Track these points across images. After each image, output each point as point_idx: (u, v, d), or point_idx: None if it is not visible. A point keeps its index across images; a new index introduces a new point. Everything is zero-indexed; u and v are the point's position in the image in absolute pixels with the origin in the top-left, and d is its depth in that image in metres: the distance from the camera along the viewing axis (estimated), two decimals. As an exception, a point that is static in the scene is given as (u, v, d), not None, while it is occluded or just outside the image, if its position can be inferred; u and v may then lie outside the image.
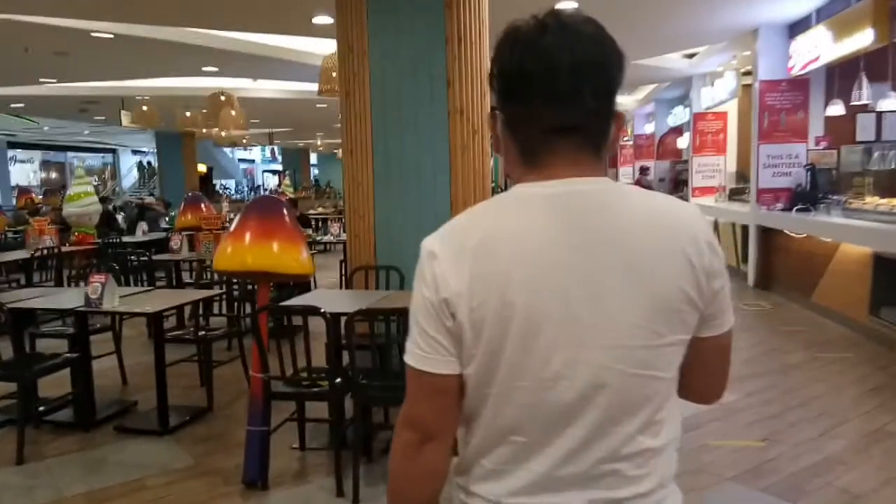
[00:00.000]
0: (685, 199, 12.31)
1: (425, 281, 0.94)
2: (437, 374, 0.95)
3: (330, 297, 4.48)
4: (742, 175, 10.59)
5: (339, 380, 3.24)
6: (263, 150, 32.45)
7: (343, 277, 7.48)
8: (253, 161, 34.21)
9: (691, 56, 10.57)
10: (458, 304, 0.92)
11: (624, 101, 16.55)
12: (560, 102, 0.92)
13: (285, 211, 3.22)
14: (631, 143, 19.43)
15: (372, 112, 4.57)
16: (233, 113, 10.85)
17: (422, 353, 0.96)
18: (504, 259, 0.91)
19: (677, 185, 14.55)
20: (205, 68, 9.88)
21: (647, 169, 15.97)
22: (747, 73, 9.57)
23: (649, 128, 16.48)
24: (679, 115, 13.64)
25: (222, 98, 11.11)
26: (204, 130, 14.30)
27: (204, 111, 12.00)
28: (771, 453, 3.46)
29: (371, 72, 4.55)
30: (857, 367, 4.93)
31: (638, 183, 16.38)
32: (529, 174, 0.97)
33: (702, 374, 1.03)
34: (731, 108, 11.35)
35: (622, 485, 0.95)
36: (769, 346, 5.61)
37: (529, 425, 0.94)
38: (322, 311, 3.03)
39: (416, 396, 0.99)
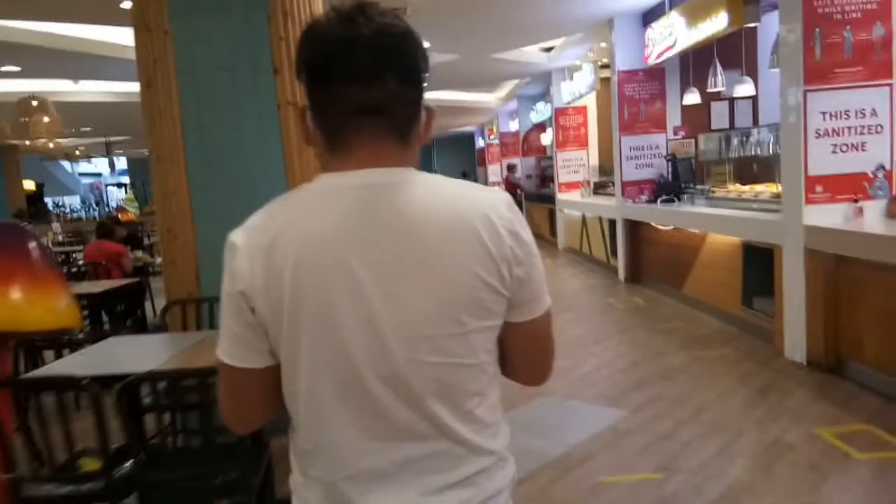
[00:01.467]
0: (552, 194, 12.21)
1: (227, 274, 0.93)
2: (241, 367, 0.95)
3: (125, 348, 3.31)
4: (604, 169, 10.55)
5: (122, 469, 2.39)
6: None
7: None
8: (100, 174, 31.07)
9: (549, 50, 10.38)
10: (255, 299, 0.91)
11: (486, 98, 16.36)
12: (362, 82, 0.91)
13: (32, 244, 2.31)
14: (497, 141, 19.40)
15: (181, 107, 3.71)
16: (46, 119, 9.35)
17: (228, 346, 0.95)
18: (296, 254, 0.90)
19: (544, 180, 14.50)
20: (3, 68, 8.40)
21: (515, 166, 15.87)
22: (605, 67, 9.49)
23: (514, 125, 16.40)
24: (542, 112, 13.56)
25: (34, 103, 9.58)
26: (27, 143, 12.43)
27: (23, 120, 10.32)
28: (671, 486, 3.00)
29: (177, 58, 3.69)
30: (738, 365, 4.69)
31: (506, 181, 16.28)
32: (332, 162, 0.96)
33: (521, 358, 1.05)
34: (591, 102, 11.33)
35: (445, 470, 0.95)
36: (649, 349, 5.30)
37: (338, 419, 0.93)
38: (85, 381, 2.17)
39: (226, 390, 1.00)
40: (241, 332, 0.93)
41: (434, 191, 0.94)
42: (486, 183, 22.54)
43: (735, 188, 6.20)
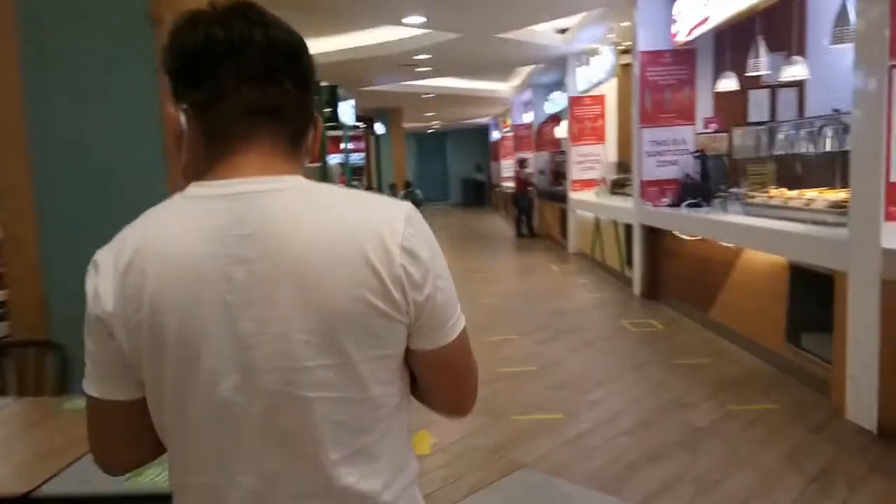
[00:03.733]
0: (564, 193, 11.08)
1: (87, 296, 0.84)
2: (107, 400, 0.87)
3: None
4: (624, 165, 9.38)
5: None
6: None
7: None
8: None
9: (564, 31, 9.23)
10: (113, 324, 0.82)
11: (499, 87, 15.23)
12: (257, 81, 0.84)
13: None
14: (511, 134, 18.25)
15: (23, 72, 2.69)
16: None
17: (93, 376, 0.87)
18: (156, 275, 0.80)
19: (558, 177, 13.34)
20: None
21: (526, 161, 14.74)
22: (626, 52, 8.33)
23: (528, 117, 15.24)
24: (556, 101, 12.40)
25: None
26: None
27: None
28: None
29: (17, 5, 2.67)
30: (784, 430, 3.56)
31: (517, 176, 15.16)
32: (214, 170, 0.85)
33: (433, 389, 0.95)
34: (610, 92, 10.16)
35: None
36: (666, 394, 4.19)
37: (205, 460, 0.84)
38: None
39: (94, 426, 0.91)
40: (104, 360, 0.84)
41: (319, 203, 0.84)
42: (497, 178, 21.47)
43: (779, 193, 5.04)
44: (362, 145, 12.95)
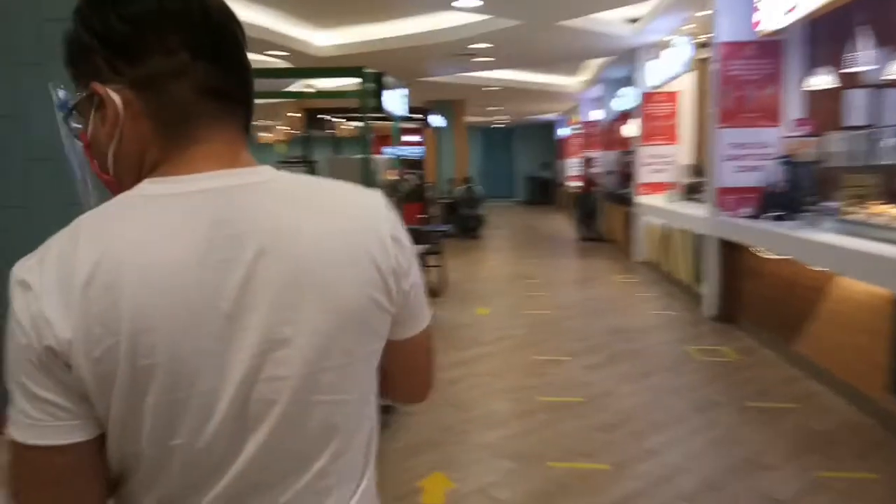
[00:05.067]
0: (630, 196, 10.32)
1: (20, 324, 0.68)
2: (55, 445, 0.70)
3: None
4: (699, 169, 8.57)
5: None
6: None
7: None
8: None
9: (635, 21, 8.49)
10: (72, 353, 0.67)
11: (568, 82, 14.50)
12: (216, 58, 0.75)
13: None
14: (578, 131, 17.46)
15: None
16: None
17: (31, 421, 0.69)
18: (133, 291, 0.68)
19: (626, 178, 12.54)
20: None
21: (593, 160, 13.97)
22: (704, 46, 7.54)
23: (597, 114, 14.45)
24: (626, 98, 11.59)
25: None
26: None
27: None
28: None
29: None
30: (888, 508, 2.87)
31: (583, 176, 14.42)
32: (165, 164, 0.75)
33: (400, 376, 0.93)
34: (686, 88, 9.33)
35: None
36: (738, 448, 3.53)
37: (185, 481, 0.74)
38: None
39: (30, 483, 0.72)
40: (55, 398, 0.69)
41: (307, 198, 0.79)
42: (564, 177, 20.66)
43: (883, 210, 4.26)
44: (420, 139, 12.48)
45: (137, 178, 0.75)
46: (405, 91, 5.57)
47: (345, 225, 0.78)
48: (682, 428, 3.82)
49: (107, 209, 0.73)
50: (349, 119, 8.28)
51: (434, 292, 7.08)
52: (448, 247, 8.93)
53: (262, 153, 6.40)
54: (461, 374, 4.78)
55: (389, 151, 6.35)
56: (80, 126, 0.80)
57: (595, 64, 11.94)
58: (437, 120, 13.02)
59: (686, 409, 4.15)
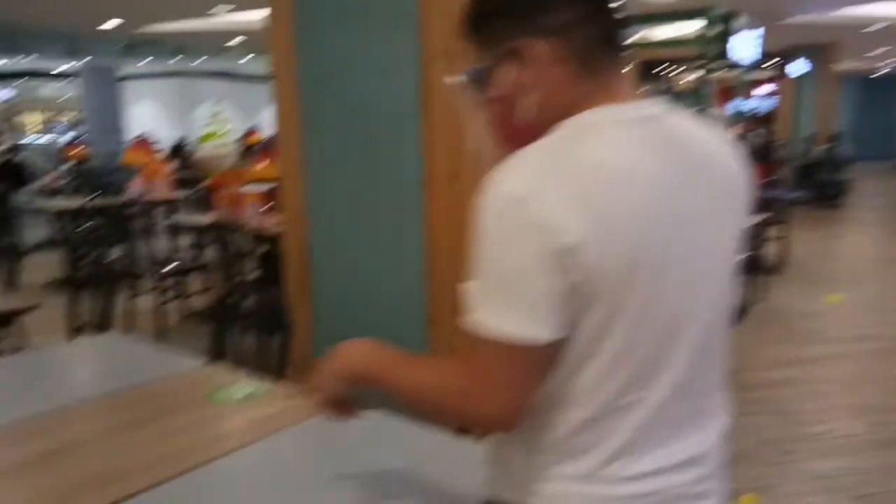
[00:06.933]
0: None
1: (528, 230, 0.76)
2: (540, 344, 0.78)
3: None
4: None
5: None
6: None
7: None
8: None
9: None
10: (581, 252, 0.76)
11: None
12: (603, 6, 0.87)
13: None
14: None
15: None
16: None
17: (524, 318, 0.78)
18: (627, 195, 0.78)
19: None
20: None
21: None
22: None
23: None
24: None
25: None
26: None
27: None
28: None
29: None
30: None
31: None
32: (593, 96, 0.85)
33: None
34: None
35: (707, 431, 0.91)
36: None
37: (646, 383, 0.83)
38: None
39: (505, 376, 0.81)
40: (547, 297, 0.77)
41: (699, 125, 0.90)
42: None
43: None
44: (774, 88, 10.76)
45: (559, 119, 0.83)
46: (759, 33, 4.66)
47: (729, 148, 0.91)
48: None
49: (565, 136, 0.82)
50: (688, 70, 7.42)
51: (771, 269, 6.05)
52: (798, 216, 7.58)
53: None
54: (795, 377, 3.92)
55: (733, 105, 5.48)
56: (488, 89, 0.88)
57: None
58: (797, 67, 11.10)
59: None
